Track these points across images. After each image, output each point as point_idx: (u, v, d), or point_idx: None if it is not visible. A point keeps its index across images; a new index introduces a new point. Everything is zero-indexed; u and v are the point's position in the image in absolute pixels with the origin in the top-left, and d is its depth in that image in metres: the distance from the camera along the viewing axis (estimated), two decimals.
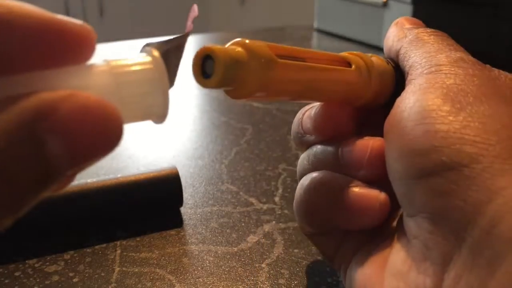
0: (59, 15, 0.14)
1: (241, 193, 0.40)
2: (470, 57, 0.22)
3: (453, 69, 0.20)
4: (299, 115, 0.27)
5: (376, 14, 0.80)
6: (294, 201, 0.26)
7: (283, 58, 0.20)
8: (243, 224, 0.35)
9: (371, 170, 0.23)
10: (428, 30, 0.24)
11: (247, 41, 0.19)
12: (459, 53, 0.22)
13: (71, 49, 0.14)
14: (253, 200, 0.39)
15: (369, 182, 0.23)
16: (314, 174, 0.24)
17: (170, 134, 0.50)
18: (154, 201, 0.36)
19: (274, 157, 0.46)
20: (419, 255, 0.19)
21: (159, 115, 0.16)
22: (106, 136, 0.13)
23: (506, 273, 0.15)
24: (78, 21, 0.14)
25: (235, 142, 0.49)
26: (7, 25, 0.13)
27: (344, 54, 0.24)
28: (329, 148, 0.25)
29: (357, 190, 0.23)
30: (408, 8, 0.73)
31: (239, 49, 0.19)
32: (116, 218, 0.35)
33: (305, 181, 0.25)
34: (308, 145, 0.27)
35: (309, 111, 0.26)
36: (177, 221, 0.36)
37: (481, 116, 0.18)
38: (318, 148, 0.26)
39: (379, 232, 0.23)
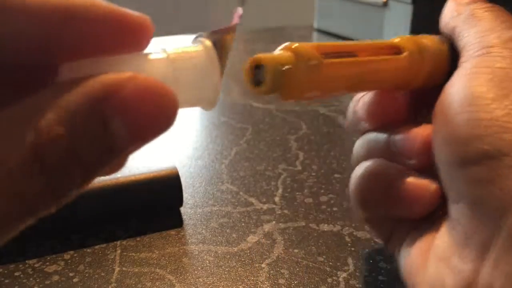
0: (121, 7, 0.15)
1: (241, 193, 0.40)
2: None
3: (502, 51, 0.20)
4: (353, 102, 0.28)
5: (376, 14, 0.80)
6: (349, 188, 0.26)
7: (331, 56, 0.21)
8: (243, 224, 0.35)
9: (422, 160, 0.23)
10: (483, 5, 0.23)
11: (295, 44, 0.20)
12: (511, 31, 0.21)
13: (131, 37, 0.15)
14: (253, 200, 0.39)
15: (421, 171, 0.23)
16: (368, 163, 0.25)
17: (170, 134, 0.50)
18: (154, 201, 0.36)
19: (274, 157, 0.46)
20: (461, 241, 0.19)
21: (209, 102, 0.17)
22: (164, 116, 0.14)
23: None
24: (137, 13, 0.16)
25: (235, 142, 0.49)
26: (72, 15, 0.14)
27: (395, 39, 0.24)
28: (382, 136, 0.25)
29: (408, 180, 0.23)
30: (408, 8, 0.73)
31: (287, 54, 0.20)
32: (116, 218, 0.35)
33: (359, 169, 0.25)
34: (362, 133, 0.27)
35: (362, 98, 0.26)
36: (177, 221, 0.36)
37: None
38: (371, 135, 0.26)
39: (429, 217, 0.24)
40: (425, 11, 0.71)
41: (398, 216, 0.24)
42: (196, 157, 0.46)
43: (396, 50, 0.24)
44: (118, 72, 0.13)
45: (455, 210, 0.20)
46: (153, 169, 0.36)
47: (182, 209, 0.37)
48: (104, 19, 0.14)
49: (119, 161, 0.15)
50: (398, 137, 0.24)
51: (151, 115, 0.14)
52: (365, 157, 0.26)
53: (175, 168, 0.36)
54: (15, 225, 0.13)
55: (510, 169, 0.17)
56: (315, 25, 0.96)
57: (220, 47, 0.17)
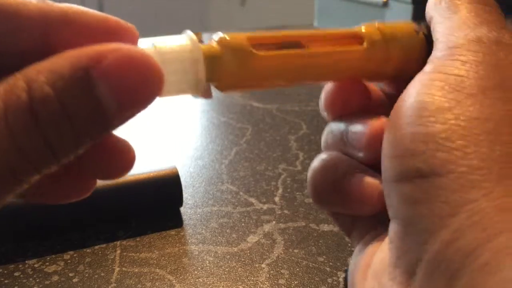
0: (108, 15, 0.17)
1: (241, 193, 0.40)
2: (494, 34, 0.19)
3: (464, 54, 0.19)
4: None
5: (376, 14, 0.80)
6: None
7: (270, 47, 0.20)
8: (243, 224, 0.35)
9: (370, 153, 0.21)
10: None
11: (225, 36, 0.19)
12: (483, 29, 0.19)
13: (119, 40, 0.17)
14: (253, 200, 0.38)
15: (374, 166, 0.22)
16: (322, 156, 0.24)
17: (170, 134, 0.50)
18: (154, 201, 0.36)
19: (274, 157, 0.46)
20: (392, 261, 0.18)
21: (196, 89, 0.18)
22: (148, 84, 0.15)
23: None
24: (123, 21, 0.18)
25: (235, 142, 0.49)
26: (68, 18, 0.16)
27: (360, 28, 0.22)
28: (339, 127, 0.23)
29: (358, 176, 0.22)
30: (408, 8, 0.73)
31: (215, 45, 0.19)
32: (116, 218, 0.35)
33: (315, 161, 0.24)
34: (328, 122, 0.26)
35: (326, 86, 0.25)
36: (177, 221, 0.36)
37: (468, 117, 0.17)
38: (331, 126, 0.24)
39: (383, 220, 0.22)
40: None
41: (347, 212, 0.23)
42: (196, 157, 0.46)
43: (358, 39, 0.22)
44: (104, 44, 0.15)
45: (391, 226, 0.18)
46: (153, 169, 0.36)
47: (182, 209, 0.37)
48: (96, 24, 0.16)
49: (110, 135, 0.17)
50: (352, 128, 0.22)
51: (135, 81, 0.15)
52: (325, 148, 0.24)
53: (175, 168, 0.36)
54: (21, 180, 0.14)
55: (441, 190, 0.16)
56: (315, 25, 0.96)
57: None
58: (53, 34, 0.16)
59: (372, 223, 0.23)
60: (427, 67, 0.20)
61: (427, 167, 0.16)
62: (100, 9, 2.23)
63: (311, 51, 0.21)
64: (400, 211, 0.18)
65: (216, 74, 0.19)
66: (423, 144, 0.17)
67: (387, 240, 0.20)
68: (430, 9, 0.23)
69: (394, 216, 0.18)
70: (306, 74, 0.21)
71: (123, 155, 0.19)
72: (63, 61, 0.14)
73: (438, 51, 0.20)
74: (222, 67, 0.19)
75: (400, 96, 0.19)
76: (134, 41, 0.18)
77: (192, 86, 0.18)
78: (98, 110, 0.14)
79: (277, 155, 0.46)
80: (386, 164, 0.19)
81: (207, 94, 0.19)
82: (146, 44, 0.18)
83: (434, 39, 0.21)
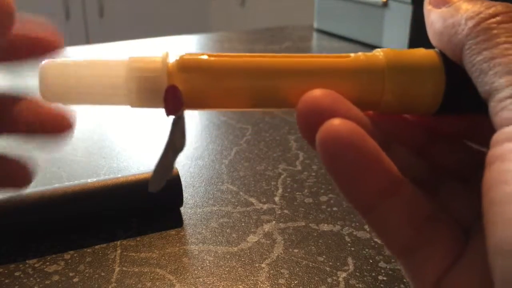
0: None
1: (241, 193, 0.40)
2: None
3: None
4: None
5: (376, 14, 0.80)
6: None
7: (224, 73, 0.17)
8: (243, 224, 0.35)
9: None
10: (495, 14, 0.16)
11: (183, 56, 0.17)
12: None
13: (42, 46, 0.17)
14: (253, 200, 0.39)
15: None
16: None
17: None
18: (154, 201, 0.36)
19: (274, 157, 0.46)
20: None
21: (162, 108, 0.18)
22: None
23: None
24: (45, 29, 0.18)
25: (235, 142, 0.49)
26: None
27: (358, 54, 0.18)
28: None
29: None
30: (408, 8, 0.73)
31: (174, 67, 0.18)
32: (116, 218, 0.35)
33: None
34: None
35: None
36: (177, 221, 0.36)
37: None
38: None
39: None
40: None
41: None
42: (196, 157, 0.46)
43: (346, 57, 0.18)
44: None
45: None
46: (153, 169, 0.36)
47: (182, 209, 0.37)
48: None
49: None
50: None
51: None
52: None
53: (175, 168, 0.36)
54: None
55: None
56: (315, 25, 0.96)
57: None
58: None
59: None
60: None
61: None
62: (100, 9, 2.23)
63: (280, 58, 0.18)
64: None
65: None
66: None
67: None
68: (451, 36, 0.17)
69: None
70: (274, 86, 0.17)
71: (20, 171, 0.19)
72: None
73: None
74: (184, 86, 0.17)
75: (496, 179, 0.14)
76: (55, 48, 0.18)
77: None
78: None
79: (277, 155, 0.46)
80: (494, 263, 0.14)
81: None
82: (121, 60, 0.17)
83: (484, 85, 0.16)
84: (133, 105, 0.18)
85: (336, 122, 0.15)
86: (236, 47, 0.85)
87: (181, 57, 0.17)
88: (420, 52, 0.18)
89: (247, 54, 0.18)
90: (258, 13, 2.37)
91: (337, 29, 0.91)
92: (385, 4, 0.78)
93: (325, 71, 0.17)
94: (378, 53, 0.18)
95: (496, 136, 0.15)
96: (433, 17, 0.18)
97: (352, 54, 0.18)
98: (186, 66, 0.17)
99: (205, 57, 0.17)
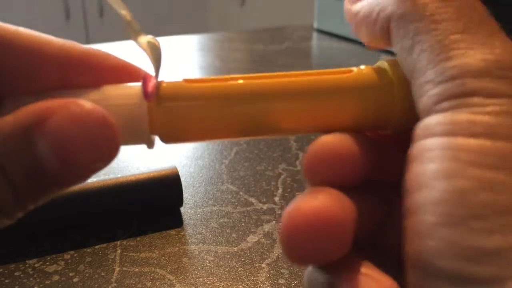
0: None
1: (241, 193, 0.40)
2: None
3: (495, 104, 0.12)
4: None
5: None
6: None
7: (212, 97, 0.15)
8: (243, 224, 0.35)
9: None
10: None
11: (162, 83, 0.16)
12: (498, 45, 0.13)
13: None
14: (253, 200, 0.39)
15: None
16: None
17: None
18: (154, 201, 0.36)
19: (274, 157, 0.46)
20: None
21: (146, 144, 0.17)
22: (96, 143, 0.13)
23: None
24: (142, 69, 0.17)
25: (235, 142, 0.49)
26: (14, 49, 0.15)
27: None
28: (322, 279, 0.15)
29: None
30: None
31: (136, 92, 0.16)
32: (116, 218, 0.35)
33: None
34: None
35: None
36: (177, 221, 0.36)
37: None
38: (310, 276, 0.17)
39: None
40: None
41: None
42: (196, 157, 0.46)
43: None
44: (56, 99, 0.14)
45: None
46: (153, 169, 0.36)
47: (182, 209, 0.37)
48: (115, 70, 0.16)
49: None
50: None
51: (81, 140, 0.13)
52: None
53: (175, 168, 0.36)
54: None
55: None
56: (315, 25, 0.96)
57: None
58: (71, 75, 0.16)
59: None
60: (436, 128, 0.13)
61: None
62: (100, 9, 2.23)
63: (273, 78, 0.15)
64: None
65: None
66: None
67: None
68: (378, 14, 0.15)
69: None
70: (264, 113, 0.15)
71: None
72: (11, 117, 0.13)
73: (430, 100, 0.13)
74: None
75: (412, 186, 0.13)
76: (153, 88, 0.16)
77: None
78: (38, 169, 0.13)
79: (277, 155, 0.46)
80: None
81: (151, 145, 0.17)
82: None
83: (406, 67, 0.14)
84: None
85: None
86: (236, 46, 0.85)
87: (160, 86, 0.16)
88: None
89: (233, 76, 0.16)
90: (258, 13, 2.37)
91: (337, 29, 0.91)
92: None
93: (326, 91, 0.15)
94: (382, 64, 0.16)
95: (417, 130, 0.13)
96: (357, 7, 0.16)
97: (354, 68, 0.16)
98: (163, 97, 0.15)
99: (183, 83, 0.16)
